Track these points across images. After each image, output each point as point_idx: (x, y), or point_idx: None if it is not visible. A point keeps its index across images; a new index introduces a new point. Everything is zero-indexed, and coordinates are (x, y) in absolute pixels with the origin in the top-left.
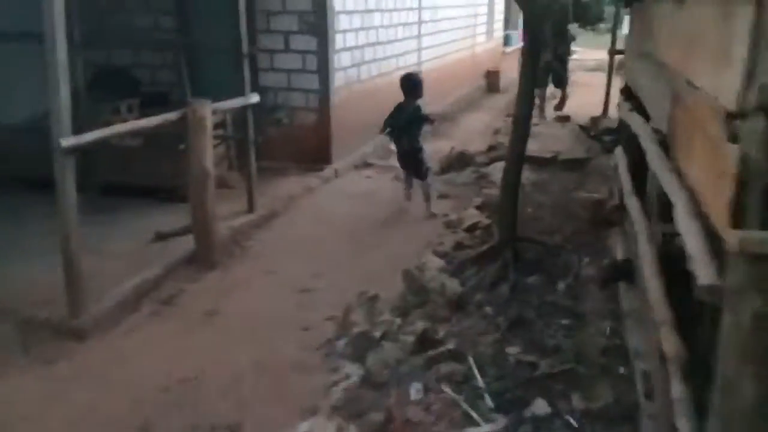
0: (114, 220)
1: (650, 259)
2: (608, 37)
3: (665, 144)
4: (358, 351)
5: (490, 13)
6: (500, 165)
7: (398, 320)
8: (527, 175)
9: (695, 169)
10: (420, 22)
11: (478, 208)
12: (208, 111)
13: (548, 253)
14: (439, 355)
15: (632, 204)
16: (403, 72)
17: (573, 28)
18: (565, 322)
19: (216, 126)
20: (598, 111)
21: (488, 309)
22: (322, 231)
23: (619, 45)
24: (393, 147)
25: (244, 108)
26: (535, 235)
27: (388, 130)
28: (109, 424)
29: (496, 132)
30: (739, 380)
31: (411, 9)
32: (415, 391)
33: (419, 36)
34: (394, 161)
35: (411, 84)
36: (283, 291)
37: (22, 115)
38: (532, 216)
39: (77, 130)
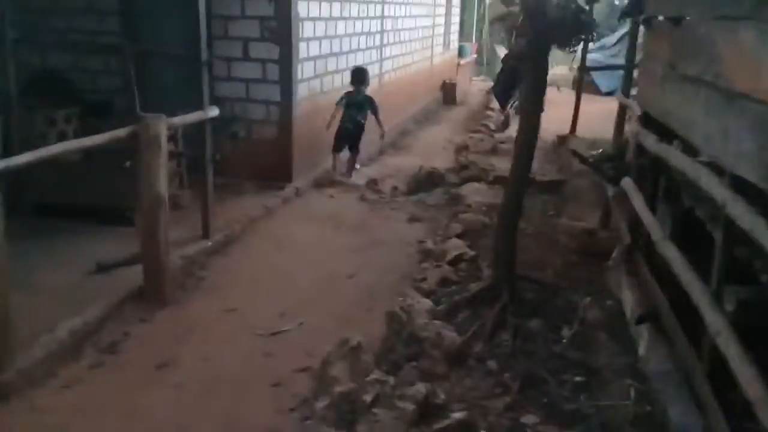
0: (49, 247)
1: (729, 336)
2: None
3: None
4: (342, 416)
5: (447, 24)
6: (474, 186)
7: (391, 379)
8: (501, 196)
9: None
10: (382, 32)
11: (459, 236)
12: (163, 128)
13: (546, 292)
14: (447, 428)
15: (673, 255)
16: None
17: None
18: (579, 379)
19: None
20: (563, 129)
21: (491, 363)
22: (287, 259)
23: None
24: (337, 119)
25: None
26: (524, 270)
27: (343, 101)
28: None
29: (462, 149)
30: None
31: (373, 18)
32: None
33: (381, 46)
34: (358, 179)
35: (360, 74)
36: (246, 335)
37: None
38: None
39: (7, 143)
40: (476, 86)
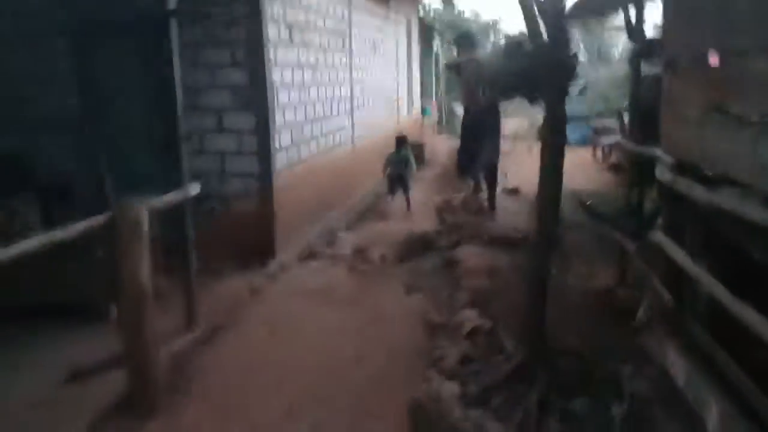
0: (11, 356)
1: None
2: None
3: None
4: None
5: (410, 84)
6: (470, 249)
7: None
8: (501, 257)
9: None
10: (352, 97)
11: (470, 306)
12: (144, 212)
13: (581, 363)
14: None
15: (753, 318)
16: (339, 150)
17: None
18: None
19: None
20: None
21: None
22: (283, 345)
23: None
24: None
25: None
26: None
27: (389, 158)
28: None
29: (445, 209)
30: None
31: (342, 83)
32: None
33: (352, 111)
34: (342, 248)
35: (401, 140)
36: None
37: None
38: None
39: None
40: (441, 144)
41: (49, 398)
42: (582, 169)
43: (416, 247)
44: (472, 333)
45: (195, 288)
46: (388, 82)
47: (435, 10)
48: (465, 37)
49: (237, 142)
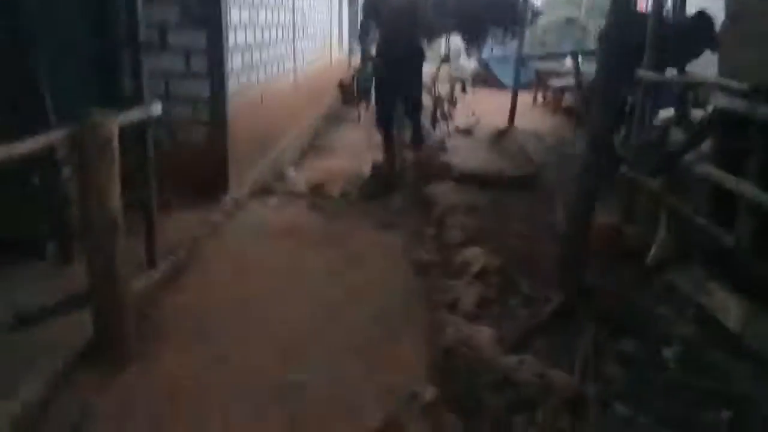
0: None
1: None
2: None
3: None
4: None
5: (340, 21)
6: (440, 187)
7: None
8: (477, 196)
9: None
10: (294, 25)
11: (463, 244)
12: (114, 129)
13: (622, 306)
14: None
15: None
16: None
17: None
18: (727, 415)
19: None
20: (498, 122)
21: (620, 408)
22: (256, 287)
23: None
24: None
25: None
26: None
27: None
28: None
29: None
30: None
31: (287, 9)
32: None
33: (294, 40)
34: (296, 185)
35: (367, 57)
36: (259, 396)
37: None
38: (530, 251)
39: None
40: None
41: None
42: (530, 113)
43: (379, 183)
44: (481, 273)
45: (156, 222)
46: (323, 15)
47: None
48: None
49: (184, 62)
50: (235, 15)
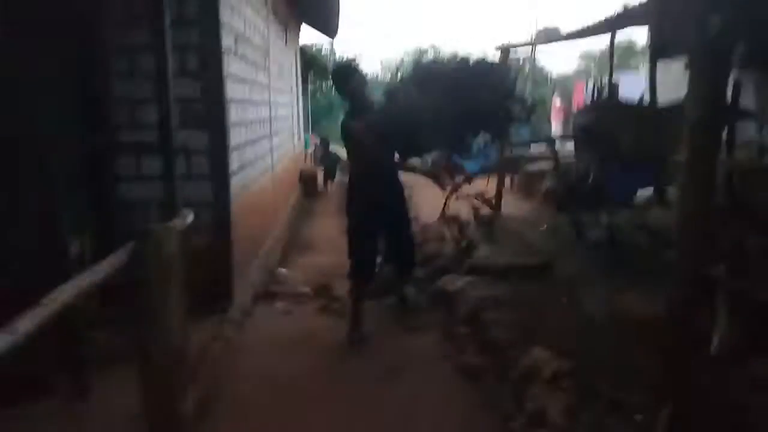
0: None
1: None
2: None
3: None
4: None
5: (299, 113)
6: (452, 280)
7: None
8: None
9: None
10: (270, 119)
11: (491, 347)
12: (176, 241)
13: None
14: None
15: None
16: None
17: None
18: None
19: None
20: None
21: None
22: (296, 414)
23: None
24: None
25: None
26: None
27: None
28: None
29: None
30: None
31: (265, 104)
32: None
33: (271, 135)
34: (293, 286)
35: (325, 139)
36: None
37: None
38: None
39: None
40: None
41: None
42: (505, 198)
43: (387, 281)
44: (554, 378)
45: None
46: (288, 109)
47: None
48: (344, 70)
49: (185, 164)
50: (234, 113)
